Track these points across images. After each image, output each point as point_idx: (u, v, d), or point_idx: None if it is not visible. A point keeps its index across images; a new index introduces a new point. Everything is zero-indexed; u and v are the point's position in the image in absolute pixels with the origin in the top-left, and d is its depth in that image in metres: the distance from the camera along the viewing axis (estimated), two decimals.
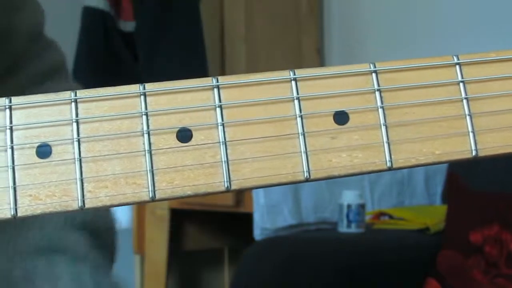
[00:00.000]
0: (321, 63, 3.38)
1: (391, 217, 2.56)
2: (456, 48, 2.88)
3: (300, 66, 3.31)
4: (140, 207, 2.82)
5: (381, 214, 2.60)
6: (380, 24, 3.24)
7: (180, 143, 0.46)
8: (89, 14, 2.98)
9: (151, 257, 2.82)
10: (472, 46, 2.81)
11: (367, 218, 2.51)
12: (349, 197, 2.42)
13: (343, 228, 2.41)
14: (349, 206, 2.41)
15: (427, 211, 2.61)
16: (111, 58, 3.00)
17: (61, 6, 3.15)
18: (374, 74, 0.47)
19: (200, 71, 2.95)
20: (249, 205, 2.49)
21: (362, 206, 2.42)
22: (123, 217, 2.86)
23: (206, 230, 2.98)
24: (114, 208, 2.40)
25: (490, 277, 2.15)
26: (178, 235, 2.88)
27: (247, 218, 2.48)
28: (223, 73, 3.26)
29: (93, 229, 0.82)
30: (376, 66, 0.47)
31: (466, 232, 2.22)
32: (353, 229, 2.40)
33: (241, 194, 2.55)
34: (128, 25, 3.05)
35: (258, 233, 2.43)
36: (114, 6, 3.02)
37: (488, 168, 2.37)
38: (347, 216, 2.41)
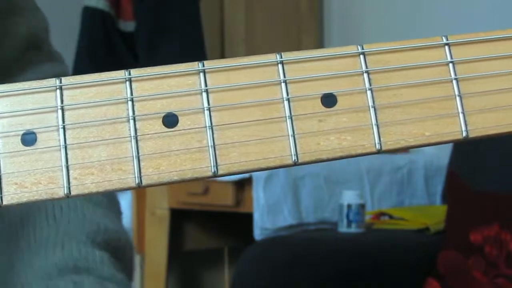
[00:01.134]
0: None
1: (391, 217, 2.56)
2: None
3: None
4: (140, 207, 2.82)
5: (381, 214, 2.59)
6: (380, 23, 3.25)
7: (166, 128, 0.45)
8: (89, 14, 2.99)
9: (151, 257, 2.82)
10: None
11: (367, 218, 2.51)
12: (349, 197, 2.42)
13: (343, 228, 2.41)
14: (349, 206, 2.40)
15: (427, 211, 2.61)
16: (111, 58, 3.01)
17: (61, 6, 3.16)
18: (362, 56, 0.46)
19: None
20: (249, 205, 2.49)
21: (362, 206, 2.42)
22: (123, 217, 2.86)
23: (206, 230, 2.99)
24: None
25: (490, 277, 2.15)
26: (178, 235, 2.88)
27: (247, 218, 2.48)
28: None
29: (115, 249, 0.80)
30: (364, 47, 0.46)
31: (466, 232, 2.21)
32: (353, 229, 2.40)
33: (241, 194, 2.55)
34: (128, 25, 3.05)
35: (258, 233, 2.43)
36: (114, 6, 3.02)
37: (488, 168, 2.36)
38: (347, 216, 2.40)
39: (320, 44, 3.41)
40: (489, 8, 2.85)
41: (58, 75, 0.84)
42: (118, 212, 0.86)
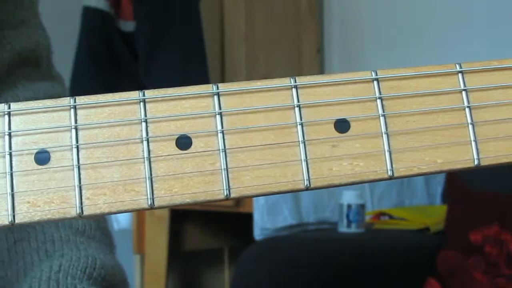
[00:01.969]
0: (321, 63, 3.38)
1: (391, 217, 2.56)
2: (455, 47, 2.88)
3: (300, 66, 3.32)
4: None
5: (381, 214, 2.59)
6: (379, 24, 3.24)
7: (179, 150, 0.45)
8: (89, 14, 2.98)
9: (151, 257, 2.82)
10: (469, 44, 2.81)
11: (367, 218, 2.51)
12: (349, 197, 2.42)
13: (343, 228, 2.41)
14: (349, 206, 2.40)
15: (427, 211, 2.61)
16: (111, 58, 3.00)
17: (61, 6, 3.15)
18: (375, 82, 0.46)
19: (200, 71, 2.95)
20: (249, 205, 2.49)
21: (362, 206, 2.42)
22: (123, 217, 2.87)
23: (206, 230, 2.98)
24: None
25: (490, 277, 2.15)
26: (178, 235, 2.88)
27: (247, 218, 2.48)
28: (223, 73, 3.26)
29: (111, 285, 0.77)
30: (378, 74, 0.46)
31: (466, 232, 2.21)
32: (353, 229, 2.40)
33: None
34: (128, 25, 3.05)
35: (258, 233, 2.43)
36: (114, 6, 3.02)
37: (488, 168, 2.36)
38: (347, 216, 2.40)
39: (320, 45, 3.40)
40: (489, 16, 2.86)
41: (52, 96, 0.82)
42: (111, 245, 0.84)
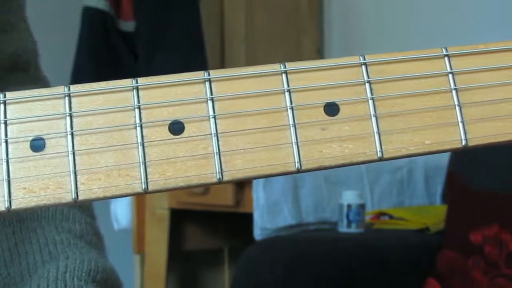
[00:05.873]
0: None
1: (391, 217, 2.56)
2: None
3: None
4: (140, 207, 2.82)
5: (381, 214, 2.59)
6: (380, 24, 3.25)
7: (172, 135, 0.46)
8: (89, 14, 2.99)
9: (151, 257, 2.82)
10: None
11: (367, 218, 2.51)
12: (349, 197, 2.42)
13: (343, 228, 2.41)
14: (349, 206, 2.40)
15: (427, 211, 2.61)
16: (111, 58, 3.01)
17: (61, 6, 3.16)
18: (364, 66, 0.47)
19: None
20: (249, 205, 2.49)
21: (362, 206, 2.42)
22: (123, 217, 2.87)
23: (206, 230, 2.98)
24: (115, 208, 2.36)
25: (490, 277, 2.15)
26: (178, 235, 2.88)
27: (247, 218, 2.48)
28: None
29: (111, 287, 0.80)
30: (366, 58, 0.47)
31: (466, 232, 2.22)
32: (353, 229, 2.40)
33: (241, 194, 2.55)
34: (128, 25, 3.05)
35: (258, 233, 2.43)
36: (114, 6, 3.03)
37: (488, 168, 2.37)
38: (347, 216, 2.40)
39: (320, 45, 3.41)
40: (487, 6, 2.86)
41: None
42: (105, 250, 0.86)
